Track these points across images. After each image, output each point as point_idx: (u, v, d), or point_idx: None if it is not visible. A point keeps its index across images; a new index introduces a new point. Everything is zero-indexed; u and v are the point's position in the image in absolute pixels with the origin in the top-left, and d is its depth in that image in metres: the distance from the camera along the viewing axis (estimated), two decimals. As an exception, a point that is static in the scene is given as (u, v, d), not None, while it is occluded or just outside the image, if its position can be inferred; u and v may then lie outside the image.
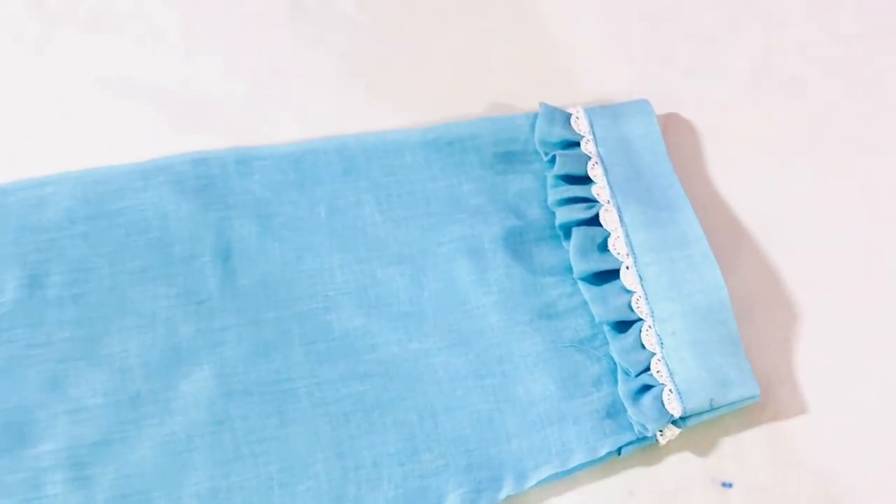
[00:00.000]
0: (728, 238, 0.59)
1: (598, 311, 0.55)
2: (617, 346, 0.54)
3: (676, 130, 0.63)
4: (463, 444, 0.53)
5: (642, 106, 0.62)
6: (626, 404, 0.53)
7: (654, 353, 0.54)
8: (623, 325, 0.55)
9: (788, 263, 0.58)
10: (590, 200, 0.58)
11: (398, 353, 0.55)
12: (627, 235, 0.56)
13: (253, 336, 0.55)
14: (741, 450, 0.53)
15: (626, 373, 0.54)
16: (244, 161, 0.60)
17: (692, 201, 0.59)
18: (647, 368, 0.54)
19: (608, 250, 0.57)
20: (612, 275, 0.56)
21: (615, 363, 0.54)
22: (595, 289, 0.56)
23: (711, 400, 0.52)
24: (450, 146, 0.61)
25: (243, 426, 0.53)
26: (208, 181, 0.59)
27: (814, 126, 0.62)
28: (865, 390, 0.55)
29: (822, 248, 0.58)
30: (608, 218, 0.57)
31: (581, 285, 0.56)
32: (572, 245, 0.56)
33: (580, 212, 0.58)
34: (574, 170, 0.59)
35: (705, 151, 0.62)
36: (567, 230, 0.58)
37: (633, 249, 0.56)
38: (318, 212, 0.59)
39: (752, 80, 0.64)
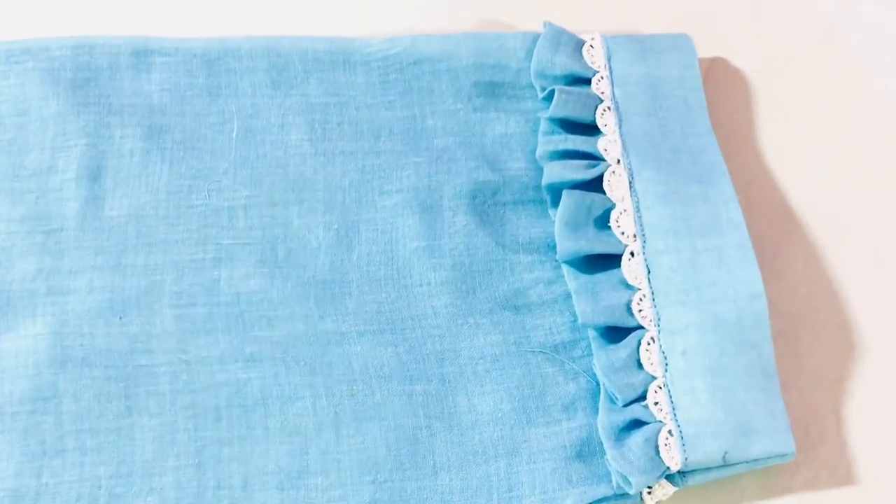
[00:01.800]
0: (775, 231, 0.43)
1: (583, 310, 0.38)
2: (604, 360, 0.38)
3: (723, 80, 0.47)
4: (371, 471, 0.37)
5: (681, 42, 0.46)
6: (606, 444, 0.37)
7: (653, 377, 0.38)
8: (616, 334, 0.39)
9: (854, 273, 0.42)
10: (593, 157, 0.42)
11: (303, 333, 0.39)
12: (638, 210, 0.40)
13: (110, 286, 0.40)
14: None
15: (612, 399, 0.38)
16: (143, 54, 0.45)
17: (733, 176, 0.42)
18: (643, 397, 0.37)
19: (609, 227, 0.40)
20: (610, 262, 0.40)
21: (598, 384, 0.38)
22: (584, 278, 0.40)
23: (726, 453, 0.36)
24: (416, 66, 0.45)
25: (74, 409, 0.38)
26: (91, 75, 0.44)
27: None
28: None
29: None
30: (615, 183, 0.41)
31: (566, 271, 0.40)
32: (560, 214, 0.40)
33: (577, 171, 0.41)
34: (578, 114, 0.43)
35: (758, 113, 0.46)
36: (556, 194, 0.42)
37: (643, 230, 0.40)
38: (229, 131, 0.43)
39: (826, 38, 0.47)
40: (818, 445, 0.39)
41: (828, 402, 0.40)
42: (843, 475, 0.39)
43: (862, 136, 0.46)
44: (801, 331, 0.42)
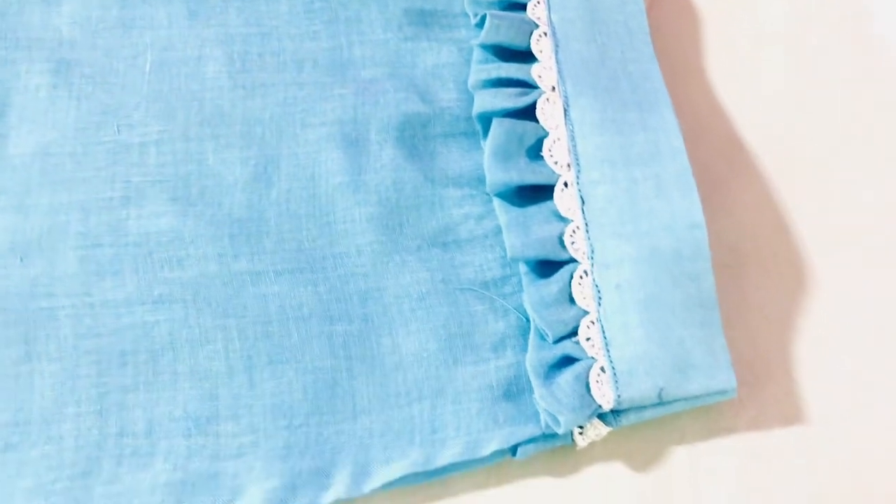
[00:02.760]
0: (723, 162, 0.41)
1: (512, 243, 0.36)
2: (534, 295, 0.35)
3: (669, 7, 0.44)
4: (285, 415, 0.35)
5: (623, -35, 0.43)
6: (535, 382, 0.34)
7: (586, 312, 0.35)
8: (547, 268, 0.37)
9: (805, 206, 0.39)
10: (527, 85, 0.39)
11: (216, 273, 0.37)
12: (573, 138, 0.37)
13: (12, 227, 0.38)
14: (698, 469, 0.35)
15: (542, 336, 0.35)
16: (53, -15, 0.41)
17: (678, 106, 0.40)
18: (574, 333, 0.35)
19: (541, 157, 0.37)
20: (542, 194, 0.38)
21: (529, 321, 0.36)
22: (515, 211, 0.37)
23: (662, 390, 0.34)
24: (345, -7, 0.42)
25: (-32, 355, 0.34)
26: (-4, 8, 0.40)
27: (862, 36, 0.42)
28: (887, 398, 0.36)
29: (854, 195, 0.39)
30: (548, 111, 0.38)
31: (497, 204, 0.38)
32: (489, 144, 0.38)
33: (509, 99, 0.39)
34: (511, 40, 0.40)
35: (706, 42, 0.43)
36: (488, 124, 0.39)
37: (577, 159, 0.37)
38: (142, 64, 0.40)
39: None
40: (764, 383, 0.37)
41: (775, 339, 0.38)
42: (790, 413, 0.37)
43: (813, 66, 0.43)
44: (749, 265, 0.39)
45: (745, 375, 0.37)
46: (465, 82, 0.42)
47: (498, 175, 0.38)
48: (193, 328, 0.37)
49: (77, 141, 0.39)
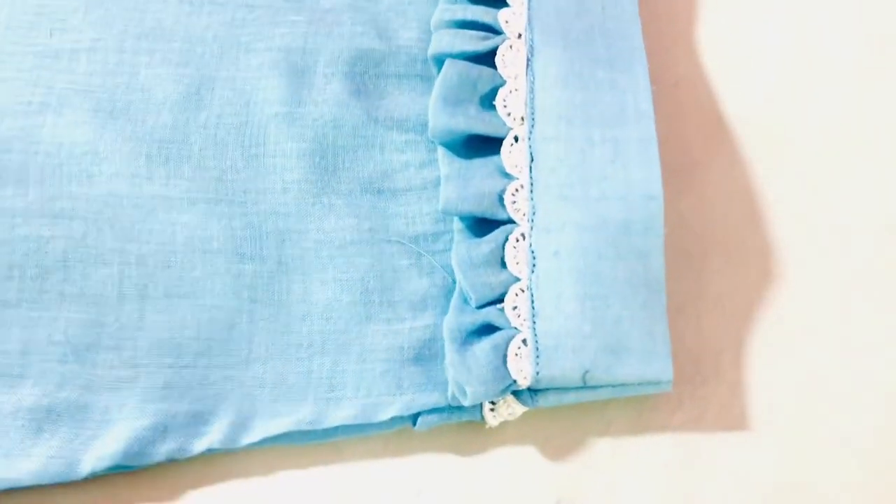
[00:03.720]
0: (700, 138, 0.37)
1: (448, 196, 0.32)
2: (463, 254, 0.32)
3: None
4: (172, 353, 0.31)
5: (619, -87, 0.39)
6: (448, 347, 0.31)
7: (517, 279, 0.31)
8: (483, 227, 0.33)
9: (783, 195, 0.35)
10: (493, 31, 0.35)
11: (126, 194, 0.33)
12: (532, 90, 0.34)
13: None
14: (621, 465, 0.31)
15: (466, 299, 0.31)
16: None
17: (657, 76, 0.36)
18: (500, 300, 0.31)
19: (494, 107, 0.34)
20: (490, 146, 0.34)
21: (455, 281, 0.32)
22: (458, 163, 0.34)
23: (587, 372, 0.30)
24: (314, -83, 0.38)
25: None
26: None
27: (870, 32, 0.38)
28: (836, 409, 0.32)
29: (836, 195, 0.35)
30: (509, 58, 0.34)
31: (440, 154, 0.35)
32: (438, 85, 0.34)
33: (469, 41, 0.35)
34: (483, -20, 0.36)
35: (702, 6, 0.39)
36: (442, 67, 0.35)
37: (533, 113, 0.33)
38: (87, -33, 0.37)
39: None
40: (710, 381, 0.33)
41: (729, 335, 0.34)
42: (733, 418, 0.32)
43: (816, 56, 0.39)
44: (712, 251, 0.35)
45: (688, 370, 0.33)
46: (430, 22, 0.38)
47: (442, 119, 0.34)
48: (90, 248, 0.33)
49: (5, 39, 0.37)
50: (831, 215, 0.35)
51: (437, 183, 0.35)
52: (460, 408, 0.32)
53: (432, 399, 0.32)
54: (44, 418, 0.31)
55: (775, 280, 0.35)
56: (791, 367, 0.33)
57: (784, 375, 0.34)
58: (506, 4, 0.37)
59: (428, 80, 0.37)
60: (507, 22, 0.36)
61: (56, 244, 0.33)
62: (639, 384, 0.31)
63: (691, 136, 0.37)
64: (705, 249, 0.35)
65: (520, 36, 0.36)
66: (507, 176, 0.34)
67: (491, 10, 0.37)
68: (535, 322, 0.31)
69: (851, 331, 0.33)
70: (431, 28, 0.37)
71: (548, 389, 0.32)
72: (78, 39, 0.37)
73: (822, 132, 0.37)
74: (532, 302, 0.32)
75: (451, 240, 0.34)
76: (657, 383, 0.32)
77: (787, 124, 0.37)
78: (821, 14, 0.40)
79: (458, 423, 0.32)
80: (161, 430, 0.31)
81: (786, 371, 0.34)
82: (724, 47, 0.39)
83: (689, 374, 0.33)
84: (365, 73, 0.37)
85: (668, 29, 0.39)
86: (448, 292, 0.33)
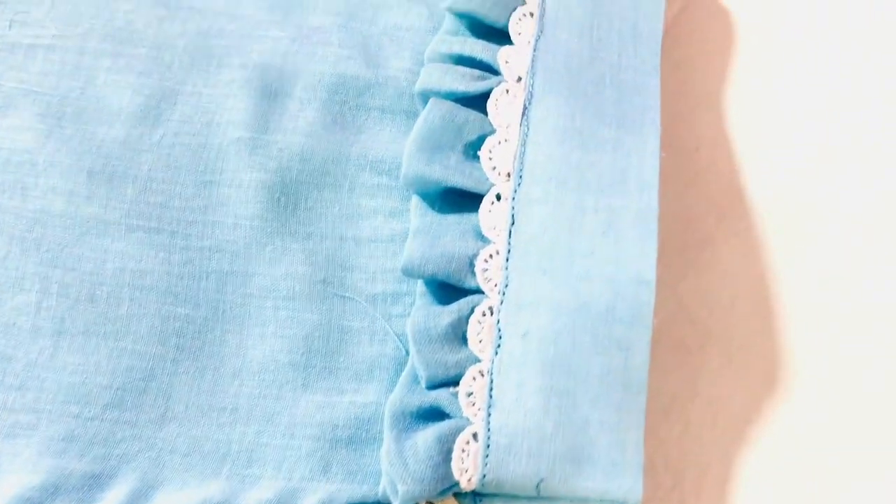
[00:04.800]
0: (714, 213, 0.33)
1: (412, 254, 0.28)
2: (420, 322, 0.28)
3: (704, 14, 0.35)
4: (80, 400, 0.28)
5: (653, -49, 0.34)
6: (387, 432, 0.27)
7: (477, 360, 0.27)
8: (448, 294, 0.28)
9: (802, 287, 0.30)
10: (490, 69, 0.31)
11: (59, 213, 0.31)
12: (524, 143, 0.29)
13: None
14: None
15: (415, 377, 0.27)
16: None
17: (674, 138, 0.32)
18: (455, 382, 0.27)
19: (478, 158, 0.29)
20: (468, 202, 0.29)
21: (409, 353, 0.28)
22: (431, 217, 0.29)
23: (542, 481, 0.26)
24: (316, -78, 0.35)
25: None
26: None
27: None
28: None
29: (854, 289, 0.30)
30: (503, 104, 0.30)
31: (414, 204, 0.30)
32: (418, 126, 0.30)
33: (462, 80, 0.31)
34: (487, 12, 0.32)
35: (737, 67, 0.34)
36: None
37: (522, 168, 0.29)
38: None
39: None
40: (690, 496, 0.28)
41: (719, 448, 0.29)
42: (711, 548, 0.28)
43: (855, 126, 0.34)
44: (711, 347, 0.30)
45: (665, 483, 0.28)
46: (424, 52, 0.34)
47: (417, 166, 0.30)
48: (10, 271, 0.30)
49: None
50: (852, 320, 0.30)
51: (405, 236, 0.31)
52: (389, 504, 0.27)
53: (360, 491, 0.28)
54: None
55: (779, 390, 0.30)
56: (784, 496, 0.28)
57: (776, 497, 0.29)
58: (510, 41, 0.33)
59: (414, 118, 0.33)
60: (507, 62, 0.32)
61: (-28, 262, 0.30)
62: (601, 501, 0.27)
63: (704, 209, 0.32)
64: (704, 344, 0.31)
65: (519, 79, 0.32)
66: (483, 239, 0.30)
67: (492, 47, 0.33)
68: (490, 413, 0.27)
69: (856, 466, 0.28)
70: (425, 59, 0.33)
71: (495, 496, 0.27)
72: (38, 35, 0.34)
73: (851, 219, 0.32)
74: (490, 389, 0.28)
75: (412, 304, 0.30)
76: (623, 501, 0.27)
77: (813, 207, 0.33)
78: (863, 88, 0.35)
79: (386, 521, 0.28)
80: (51, 492, 0.27)
81: (778, 492, 0.29)
82: (755, 112, 0.34)
83: (667, 488, 0.28)
84: (345, 103, 0.33)
85: (695, 85, 0.35)
86: (399, 366, 0.29)
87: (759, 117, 0.34)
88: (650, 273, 0.28)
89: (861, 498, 0.28)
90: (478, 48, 0.33)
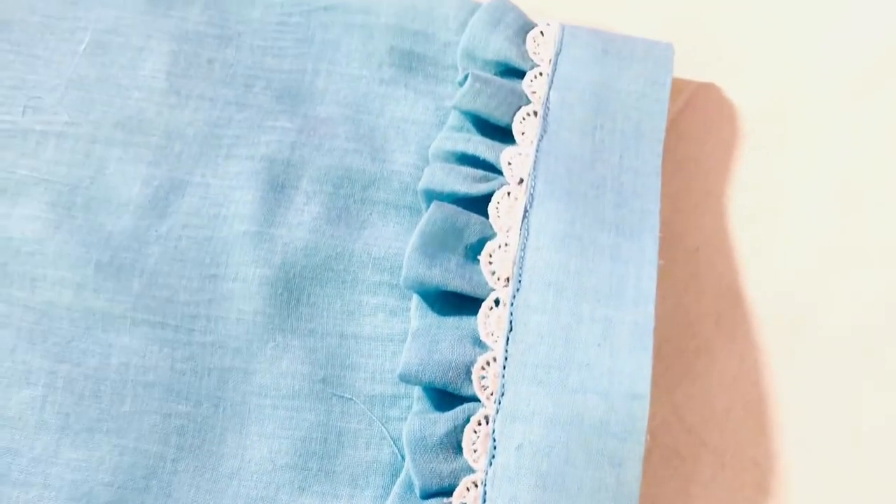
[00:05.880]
0: (712, 318, 0.33)
1: (409, 360, 0.29)
2: (416, 431, 0.28)
3: (706, 113, 0.36)
4: (82, 497, 0.29)
5: (658, 51, 0.35)
6: (380, 543, 0.27)
7: (472, 471, 0.27)
8: (445, 401, 0.29)
9: (799, 398, 0.30)
10: (493, 169, 0.31)
11: (67, 305, 0.31)
12: (523, 249, 0.30)
13: None
14: None
15: (409, 485, 0.28)
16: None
17: (675, 239, 0.32)
18: (449, 492, 0.27)
19: (478, 261, 0.30)
20: (467, 305, 0.30)
21: (405, 459, 0.28)
22: (430, 318, 0.30)
23: None
24: (327, 13, 0.36)
25: None
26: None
27: None
28: None
29: (850, 403, 0.30)
30: (504, 208, 0.31)
31: (414, 304, 0.31)
32: (420, 229, 0.31)
33: (464, 181, 0.31)
34: (491, 111, 0.33)
35: (740, 166, 0.35)
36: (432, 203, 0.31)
37: (521, 274, 0.29)
38: (77, 42, 0.35)
39: (872, 79, 0.35)
40: None
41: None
42: None
43: (865, 227, 0.34)
44: (705, 457, 0.31)
45: None
46: (429, 146, 0.34)
47: (417, 270, 0.30)
48: (18, 364, 0.31)
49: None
50: (849, 435, 0.31)
51: (405, 336, 0.31)
52: None
53: None
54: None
55: (770, 500, 0.30)
56: None
57: None
58: (513, 141, 0.33)
59: (418, 214, 0.34)
60: (509, 163, 0.32)
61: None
62: None
63: (702, 314, 0.33)
64: (698, 453, 0.31)
65: (521, 181, 0.32)
66: (481, 345, 0.30)
67: (496, 146, 0.33)
68: (482, 527, 0.27)
69: None
70: (429, 156, 0.34)
71: None
72: (50, 121, 0.34)
73: (850, 327, 0.32)
74: (484, 501, 0.28)
75: (410, 408, 0.30)
76: None
77: (812, 313, 0.33)
78: (871, 183, 0.35)
79: None
80: None
81: None
82: (757, 213, 0.35)
83: None
84: (350, 197, 0.34)
85: (697, 183, 0.35)
86: (395, 471, 0.30)
87: (761, 218, 0.35)
88: (644, 388, 0.29)
89: None
90: (481, 147, 0.33)
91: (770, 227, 0.35)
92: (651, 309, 0.30)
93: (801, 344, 0.32)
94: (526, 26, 0.36)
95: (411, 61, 0.36)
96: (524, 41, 0.36)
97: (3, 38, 0.36)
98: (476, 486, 0.28)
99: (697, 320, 0.33)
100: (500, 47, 0.35)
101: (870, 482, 0.30)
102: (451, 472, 0.29)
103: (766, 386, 0.32)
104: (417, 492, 0.29)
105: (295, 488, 0.30)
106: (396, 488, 0.29)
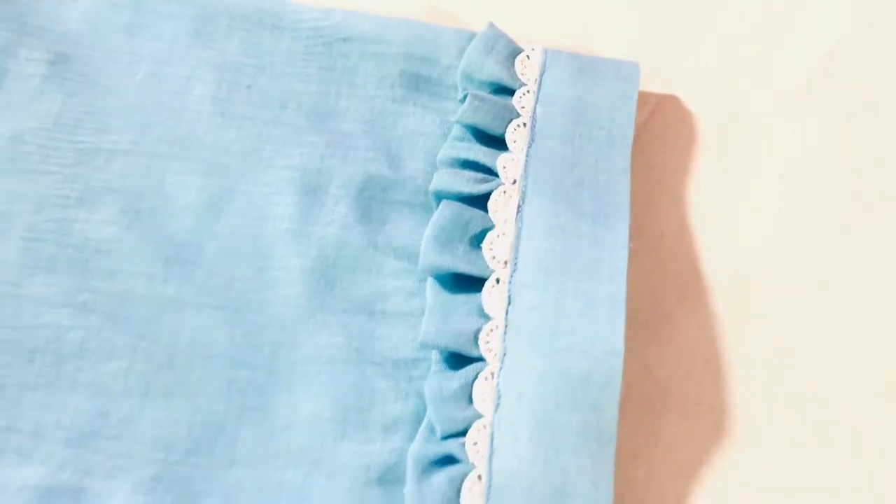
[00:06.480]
0: (675, 293, 0.40)
1: (427, 330, 0.36)
2: (435, 386, 0.35)
3: (669, 120, 0.43)
4: (165, 448, 0.35)
5: (626, 70, 0.42)
6: (410, 474, 0.34)
7: (481, 416, 0.34)
8: (457, 361, 0.36)
9: (747, 356, 0.37)
10: (490, 172, 0.39)
11: (142, 293, 0.37)
12: (518, 237, 0.37)
13: (-33, 205, 0.38)
14: None
15: (432, 429, 0.35)
16: (73, -20, 0.42)
17: (643, 227, 0.39)
18: (464, 433, 0.34)
19: (481, 248, 0.37)
20: (473, 285, 0.37)
21: (426, 409, 0.35)
22: (443, 297, 0.37)
23: (532, 514, 0.33)
24: (345, 44, 0.42)
25: None
26: (17, -8, 0.42)
27: (876, 176, 0.41)
28: None
29: (793, 359, 0.37)
30: (501, 204, 0.38)
31: (429, 285, 0.38)
32: (432, 224, 0.37)
33: (468, 182, 0.38)
34: (488, 124, 0.40)
35: (697, 164, 0.42)
36: (441, 202, 0.38)
37: (516, 258, 0.36)
38: (134, 73, 0.41)
39: (809, 89, 0.43)
40: (651, 529, 0.36)
41: (677, 483, 0.37)
42: (668, 567, 0.35)
43: (805, 217, 0.41)
44: (670, 403, 0.38)
45: (630, 517, 0.35)
46: (436, 155, 0.41)
47: (432, 258, 0.37)
48: (105, 342, 0.37)
49: (52, 135, 0.41)
50: (792, 383, 0.38)
51: (422, 312, 0.38)
52: (413, 533, 0.35)
53: (386, 522, 0.35)
54: (44, 497, 0.35)
55: (726, 437, 0.37)
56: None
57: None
58: (506, 148, 0.40)
59: (429, 211, 0.41)
60: (504, 167, 0.40)
61: (74, 334, 0.37)
62: (579, 531, 0.34)
63: (667, 288, 0.40)
64: (665, 401, 0.38)
65: (514, 182, 0.39)
66: (485, 316, 0.37)
67: (493, 153, 0.40)
68: (491, 460, 0.35)
69: (797, 493, 0.36)
70: (437, 162, 0.41)
71: (495, 526, 0.34)
72: (117, 140, 0.41)
73: (788, 298, 0.39)
74: (492, 440, 0.35)
75: (429, 368, 0.38)
76: (596, 532, 0.34)
77: (761, 286, 0.40)
78: (810, 181, 0.42)
79: (411, 546, 0.35)
80: (147, 519, 0.35)
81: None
82: (712, 203, 0.42)
83: (632, 519, 0.36)
84: (372, 198, 0.41)
85: (661, 182, 0.42)
86: (418, 419, 0.37)
87: (714, 210, 0.42)
88: (619, 346, 0.36)
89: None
90: (480, 154, 0.40)
91: (722, 218, 0.42)
92: (623, 284, 0.37)
93: (748, 312, 0.40)
94: (514, 51, 0.43)
95: (418, 82, 0.43)
96: (513, 64, 0.43)
97: (72, 70, 0.43)
98: (485, 427, 0.35)
99: (662, 295, 0.40)
100: (492, 70, 0.42)
101: (807, 419, 0.37)
102: (464, 417, 0.36)
103: (720, 346, 0.39)
104: (438, 434, 0.36)
105: (337, 436, 0.37)
106: (421, 432, 0.36)
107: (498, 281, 0.37)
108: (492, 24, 0.43)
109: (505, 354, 0.36)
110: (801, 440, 0.37)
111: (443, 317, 0.37)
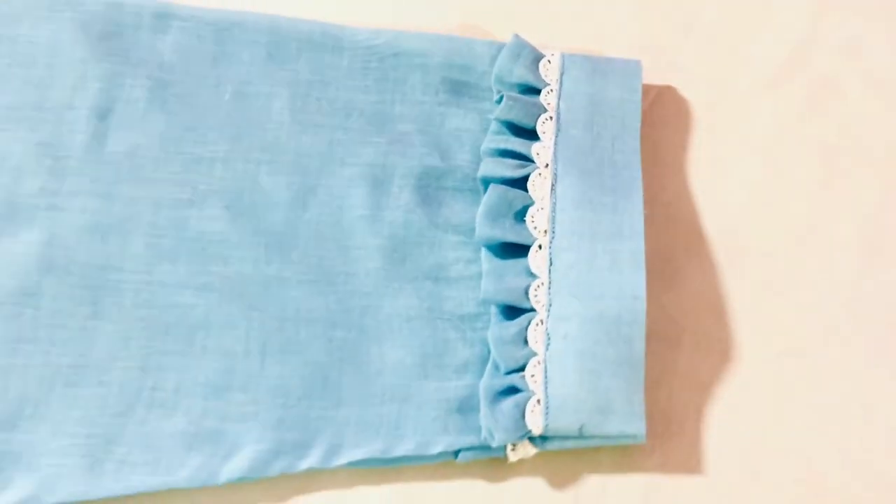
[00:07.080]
0: (683, 249, 0.49)
1: (487, 288, 0.45)
2: (496, 333, 0.44)
3: (668, 107, 0.52)
4: (283, 395, 0.44)
5: (631, 67, 0.51)
6: (483, 403, 0.43)
7: (535, 354, 0.44)
8: (512, 313, 0.45)
9: (743, 298, 0.47)
10: (526, 159, 0.48)
11: (250, 274, 0.46)
12: (553, 210, 0.46)
13: (99, 210, 0.47)
14: (607, 494, 0.43)
15: (496, 367, 0.44)
16: (163, 17, 0.52)
17: (653, 196, 0.48)
18: (522, 369, 0.44)
19: (524, 221, 0.46)
20: (520, 251, 0.46)
21: (489, 352, 0.44)
22: (496, 262, 0.46)
23: (583, 426, 0.42)
24: (395, 58, 0.51)
25: (50, 306, 0.45)
26: (116, 29, 0.51)
27: (841, 144, 0.50)
28: (778, 465, 0.44)
29: (787, 297, 0.47)
30: (538, 184, 0.47)
31: (483, 253, 0.47)
32: (484, 203, 0.47)
33: (509, 168, 0.47)
34: (522, 119, 0.49)
35: (693, 142, 0.51)
36: (488, 186, 0.48)
37: (554, 227, 0.46)
38: (223, 93, 0.50)
39: (782, 73, 0.52)
40: (676, 436, 0.45)
41: (693, 403, 0.46)
42: (691, 465, 0.44)
43: (783, 179, 0.50)
44: (684, 338, 0.47)
45: (659, 428, 0.45)
46: (480, 147, 0.50)
47: (486, 231, 0.47)
48: (225, 314, 0.46)
49: (161, 148, 0.49)
50: (782, 315, 0.47)
51: (479, 275, 0.48)
52: (489, 447, 0.44)
53: (469, 440, 0.44)
54: (191, 441, 0.44)
55: (732, 363, 0.47)
56: (738, 430, 0.45)
57: (732, 437, 0.46)
58: (538, 137, 0.50)
59: (477, 194, 0.50)
60: (538, 154, 0.49)
61: (199, 310, 0.46)
62: (621, 437, 0.44)
63: (677, 246, 0.49)
64: (679, 336, 0.47)
65: (547, 165, 0.48)
66: (532, 275, 0.46)
67: (527, 143, 0.49)
68: (546, 387, 0.44)
69: (790, 404, 0.46)
70: (481, 153, 0.50)
71: (553, 437, 0.44)
72: (215, 150, 0.50)
73: (778, 248, 0.49)
74: (545, 372, 0.44)
75: (489, 320, 0.47)
76: (634, 437, 0.44)
77: (750, 238, 0.49)
78: (786, 150, 0.51)
79: (488, 458, 0.44)
80: (275, 453, 0.44)
81: (734, 434, 0.46)
82: (710, 174, 0.51)
83: (660, 430, 0.45)
84: (429, 186, 0.50)
85: (666, 157, 0.51)
86: (484, 360, 0.46)
87: (710, 179, 0.51)
88: (642, 292, 0.45)
89: (791, 426, 0.45)
90: (517, 144, 0.49)
91: (716, 185, 0.51)
92: (641, 241, 0.46)
93: (741, 260, 0.49)
94: (538, 57, 0.52)
95: (458, 87, 0.52)
96: (538, 68, 0.52)
97: (170, 93, 0.51)
98: (539, 363, 0.45)
99: (672, 249, 0.49)
100: (521, 73, 0.51)
101: (792, 343, 0.47)
102: (522, 356, 0.45)
103: (722, 289, 0.49)
104: (502, 370, 0.45)
105: (420, 377, 0.46)
106: (488, 369, 0.45)
107: (540, 247, 0.46)
108: (517, 35, 0.52)
109: (550, 305, 0.45)
110: (789, 361, 0.47)
111: (497, 278, 0.46)
